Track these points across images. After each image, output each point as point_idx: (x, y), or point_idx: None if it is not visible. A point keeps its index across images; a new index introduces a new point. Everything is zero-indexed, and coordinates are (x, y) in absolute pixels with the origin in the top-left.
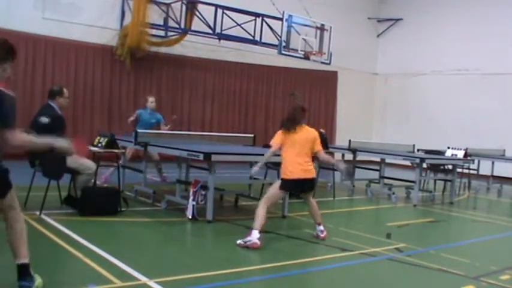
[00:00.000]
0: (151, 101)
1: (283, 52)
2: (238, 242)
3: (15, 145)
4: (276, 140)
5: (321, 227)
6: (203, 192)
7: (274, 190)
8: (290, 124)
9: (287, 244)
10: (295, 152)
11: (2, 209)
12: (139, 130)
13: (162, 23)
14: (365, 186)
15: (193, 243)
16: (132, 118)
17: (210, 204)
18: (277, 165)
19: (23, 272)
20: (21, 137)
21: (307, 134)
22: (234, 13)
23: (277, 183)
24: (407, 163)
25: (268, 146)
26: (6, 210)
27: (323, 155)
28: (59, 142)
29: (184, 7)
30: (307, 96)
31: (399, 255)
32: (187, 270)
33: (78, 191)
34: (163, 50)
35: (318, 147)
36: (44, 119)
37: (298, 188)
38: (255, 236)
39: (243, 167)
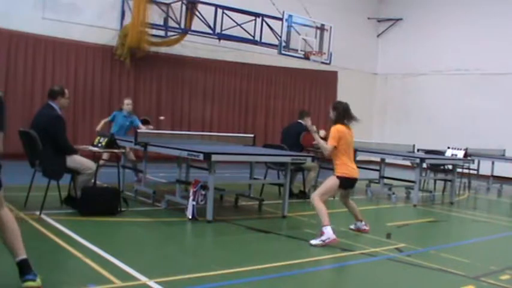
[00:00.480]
0: (127, 103)
1: (283, 52)
2: (314, 242)
3: None
4: (334, 140)
5: (363, 222)
6: (203, 192)
7: (332, 187)
8: (350, 120)
9: (287, 244)
10: (351, 150)
11: None
12: (114, 132)
13: (162, 23)
14: (365, 186)
15: (193, 243)
16: (106, 119)
17: (210, 204)
18: (278, 165)
19: (25, 267)
20: None
21: (352, 132)
22: (234, 13)
23: (333, 180)
24: (407, 163)
25: (268, 146)
26: None
27: None
28: None
29: (184, 7)
30: (307, 96)
31: (399, 255)
32: (187, 270)
33: (78, 191)
34: (163, 50)
35: None
36: None
37: (352, 185)
38: (330, 232)
39: (243, 167)
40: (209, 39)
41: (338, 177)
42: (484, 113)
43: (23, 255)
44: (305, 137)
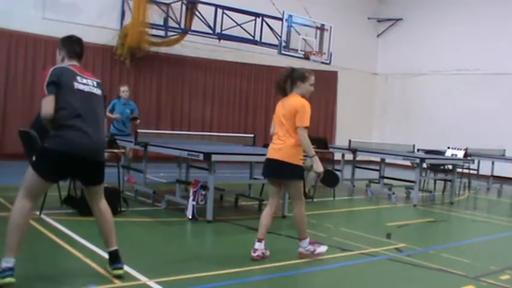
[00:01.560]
0: (123, 90)
1: (283, 52)
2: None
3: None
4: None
5: (263, 244)
6: (203, 192)
7: None
8: (282, 86)
9: (287, 244)
10: (278, 126)
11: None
12: (115, 125)
13: (162, 23)
14: (365, 186)
15: (193, 243)
16: (107, 111)
17: (210, 204)
18: None
19: (115, 257)
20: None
21: (292, 102)
22: (234, 13)
23: None
24: (407, 163)
25: (268, 146)
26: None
27: (302, 135)
28: None
29: (184, 7)
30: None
31: (399, 255)
32: (187, 270)
33: (78, 191)
34: (163, 50)
35: (298, 122)
36: None
37: (271, 172)
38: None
39: (243, 167)
40: (209, 39)
41: None
42: (484, 113)
43: (114, 247)
44: None
